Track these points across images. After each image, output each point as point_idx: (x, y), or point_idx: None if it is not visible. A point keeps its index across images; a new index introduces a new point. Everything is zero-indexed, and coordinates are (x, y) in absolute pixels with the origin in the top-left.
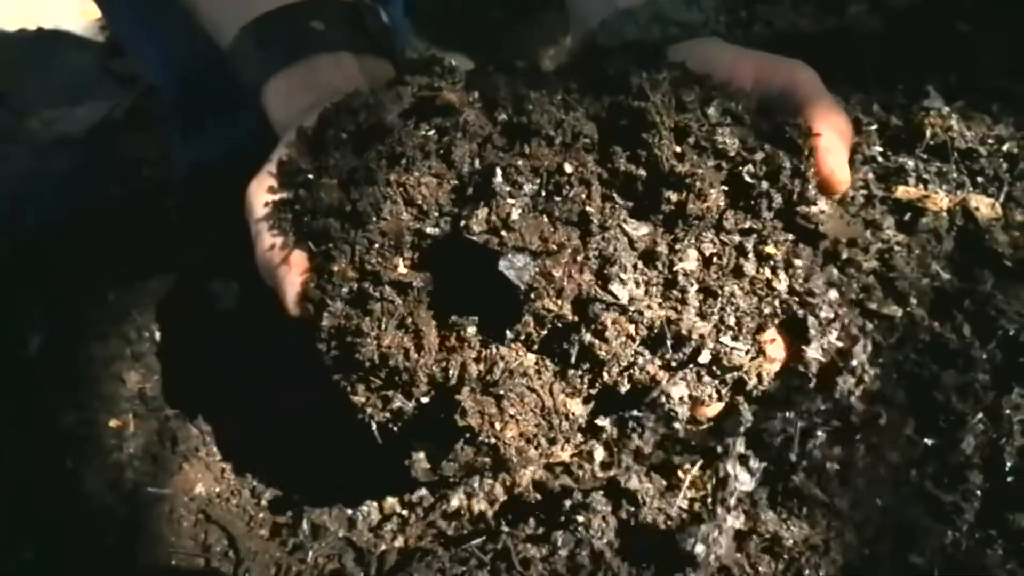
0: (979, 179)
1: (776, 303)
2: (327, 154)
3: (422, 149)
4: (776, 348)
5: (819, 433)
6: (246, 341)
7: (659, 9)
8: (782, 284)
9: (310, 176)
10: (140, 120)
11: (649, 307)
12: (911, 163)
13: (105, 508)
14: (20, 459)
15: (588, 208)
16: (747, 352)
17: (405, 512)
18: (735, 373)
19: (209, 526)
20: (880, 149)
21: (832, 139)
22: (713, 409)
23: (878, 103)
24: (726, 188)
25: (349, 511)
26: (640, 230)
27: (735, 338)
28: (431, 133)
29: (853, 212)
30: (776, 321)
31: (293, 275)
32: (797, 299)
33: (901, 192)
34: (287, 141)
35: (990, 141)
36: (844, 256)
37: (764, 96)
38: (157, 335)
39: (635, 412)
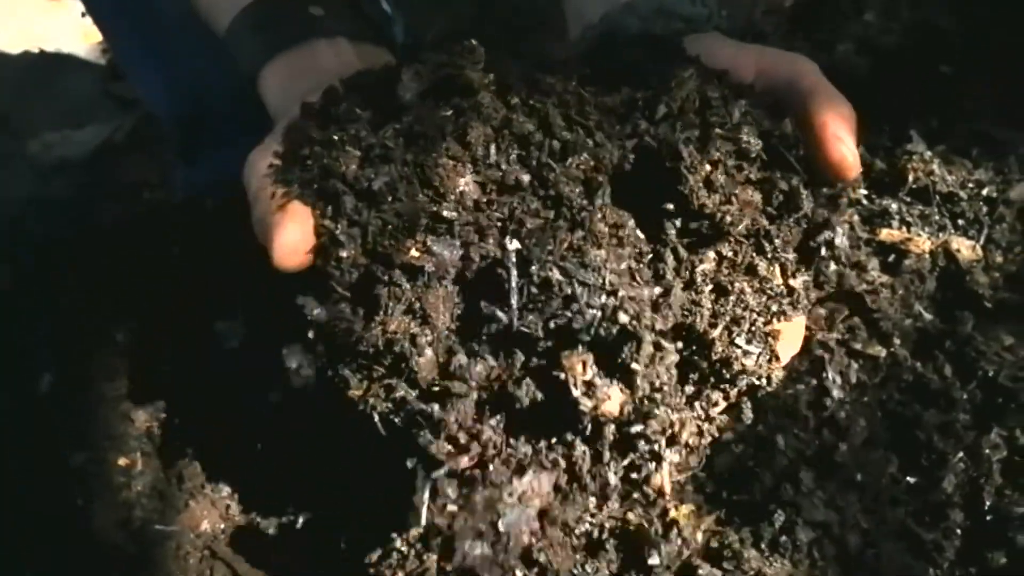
0: (960, 222)
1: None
2: (340, 126)
3: (440, 129)
4: (785, 347)
5: (802, 475)
6: (250, 380)
7: (662, 4)
8: (797, 281)
9: (321, 143)
10: (140, 143)
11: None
12: (895, 206)
13: (114, 546)
14: (31, 497)
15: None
16: (759, 355)
17: (405, 548)
18: (748, 378)
19: (215, 562)
20: (865, 192)
21: (840, 127)
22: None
23: (863, 146)
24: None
25: (354, 548)
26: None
27: (748, 341)
28: (449, 113)
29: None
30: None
31: (289, 224)
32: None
33: (885, 235)
34: (291, 117)
35: (970, 185)
36: None
37: (766, 88)
38: (164, 375)
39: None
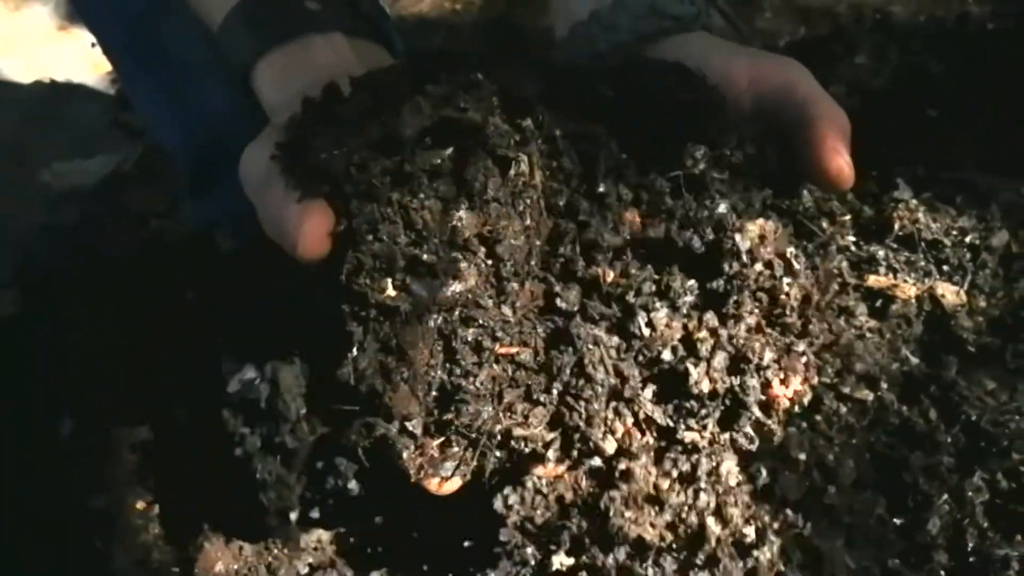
0: (945, 268)
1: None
2: (344, 128)
3: (434, 172)
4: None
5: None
6: (260, 422)
7: (654, 2)
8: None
9: (324, 135)
10: (148, 172)
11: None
12: (882, 253)
13: None
14: (54, 540)
15: None
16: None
17: None
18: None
19: None
20: (853, 239)
21: (837, 139)
22: None
23: (852, 192)
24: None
25: None
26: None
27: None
28: (447, 153)
29: (828, 299)
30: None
31: (311, 221)
32: None
33: (872, 280)
34: (290, 113)
35: (954, 232)
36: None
37: (759, 96)
38: (179, 420)
39: None
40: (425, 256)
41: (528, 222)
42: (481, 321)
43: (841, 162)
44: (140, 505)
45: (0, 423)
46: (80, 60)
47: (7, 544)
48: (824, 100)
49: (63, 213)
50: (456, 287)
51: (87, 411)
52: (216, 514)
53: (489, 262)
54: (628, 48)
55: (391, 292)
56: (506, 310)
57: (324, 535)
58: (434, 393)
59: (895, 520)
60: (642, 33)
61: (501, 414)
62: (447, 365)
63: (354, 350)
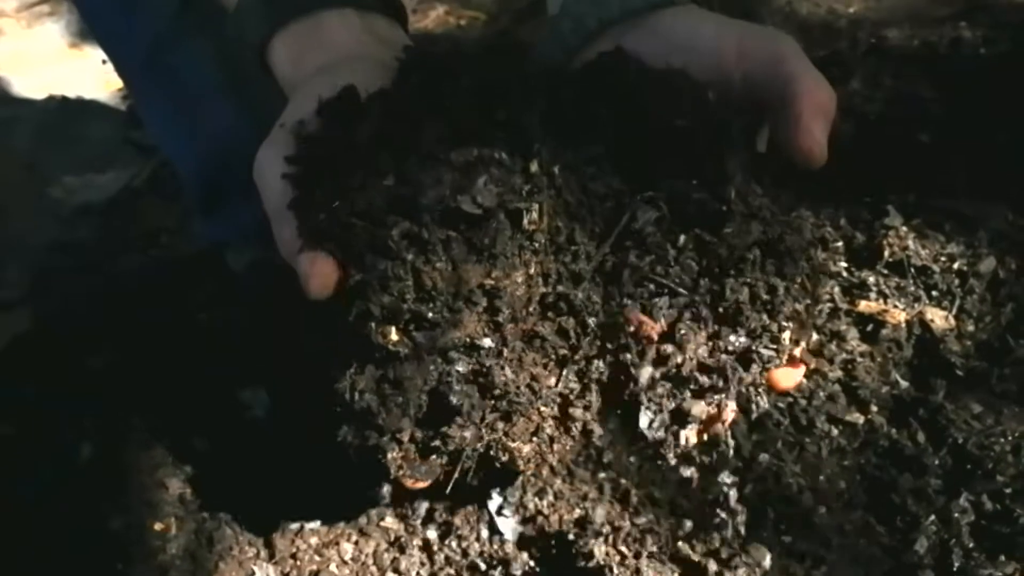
0: (934, 293)
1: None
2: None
3: (448, 240)
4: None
5: (784, 538)
6: (275, 447)
7: None
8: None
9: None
10: (158, 189)
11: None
12: (872, 279)
13: None
14: (74, 560)
15: None
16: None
17: None
18: None
19: None
20: (845, 265)
21: (814, 118)
22: None
23: (845, 218)
24: None
25: None
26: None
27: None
28: (462, 227)
29: (820, 324)
30: None
31: (318, 270)
32: None
33: (863, 306)
34: (305, 106)
35: (943, 259)
36: (811, 366)
37: (747, 70)
38: (195, 443)
39: None
40: (431, 315)
41: (532, 271)
42: (475, 359)
43: (811, 143)
44: (158, 526)
45: (22, 445)
46: (91, 78)
47: (29, 564)
48: (807, 76)
49: (76, 230)
50: (456, 334)
51: (106, 435)
52: (232, 535)
53: (489, 313)
54: (616, 25)
55: (394, 337)
56: (501, 347)
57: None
58: (424, 411)
59: (884, 540)
60: (632, 8)
61: (484, 431)
62: (440, 390)
63: (353, 369)
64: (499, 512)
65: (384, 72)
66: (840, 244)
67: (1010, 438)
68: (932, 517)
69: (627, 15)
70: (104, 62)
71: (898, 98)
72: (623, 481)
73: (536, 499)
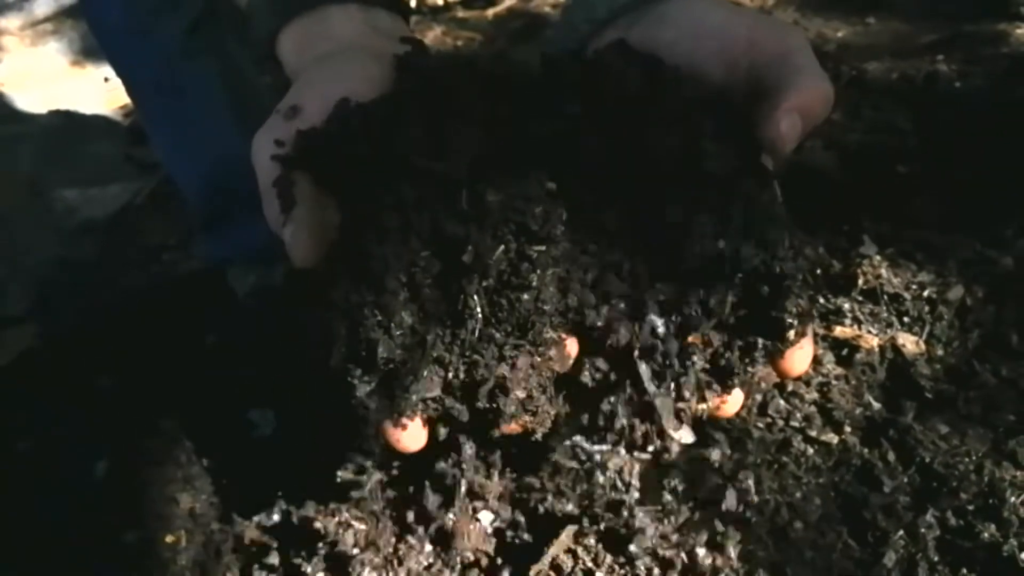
0: (905, 319)
1: None
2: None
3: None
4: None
5: (759, 552)
6: (281, 465)
7: None
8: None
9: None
10: (159, 205)
11: None
12: (847, 305)
13: None
14: (91, 572)
15: None
16: None
17: None
18: None
19: None
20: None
21: (793, 106)
22: None
23: (824, 246)
24: None
25: None
26: None
27: None
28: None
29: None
30: None
31: (301, 245)
32: None
33: (839, 331)
34: (300, 93)
35: (914, 287)
36: (789, 388)
37: (755, 61)
38: (204, 461)
39: None
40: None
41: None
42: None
43: (779, 128)
44: (169, 539)
45: (41, 462)
46: (93, 95)
47: None
48: (810, 72)
49: (78, 246)
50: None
51: (120, 453)
52: (239, 546)
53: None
54: (628, 13)
55: (368, 389)
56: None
57: None
58: None
59: (855, 554)
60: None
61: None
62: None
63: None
64: None
65: (378, 62)
66: (818, 271)
67: (974, 458)
68: (900, 532)
69: (638, 1)
70: (106, 80)
71: (876, 128)
72: None
73: None
